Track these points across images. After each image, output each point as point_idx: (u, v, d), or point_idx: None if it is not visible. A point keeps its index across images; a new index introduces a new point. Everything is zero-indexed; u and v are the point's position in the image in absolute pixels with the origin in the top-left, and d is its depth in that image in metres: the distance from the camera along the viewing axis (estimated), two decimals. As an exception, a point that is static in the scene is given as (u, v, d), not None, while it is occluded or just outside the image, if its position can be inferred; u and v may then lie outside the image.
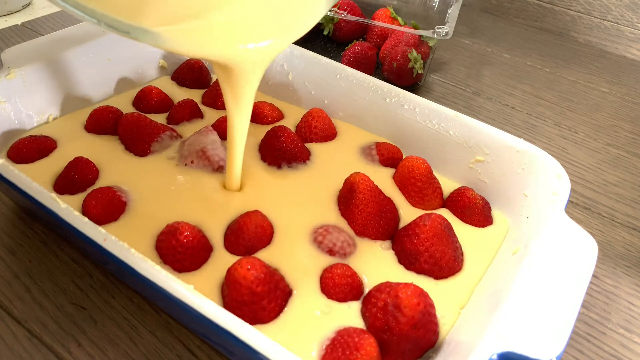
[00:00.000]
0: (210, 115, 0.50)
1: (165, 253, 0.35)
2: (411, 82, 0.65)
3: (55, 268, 0.40)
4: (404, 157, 0.47)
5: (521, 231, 0.39)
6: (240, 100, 0.37)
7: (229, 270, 0.33)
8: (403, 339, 0.31)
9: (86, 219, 0.32)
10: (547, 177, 0.40)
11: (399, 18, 0.68)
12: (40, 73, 0.46)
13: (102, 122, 0.46)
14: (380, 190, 0.40)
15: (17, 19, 0.77)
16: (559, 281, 0.31)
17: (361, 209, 0.39)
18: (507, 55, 0.80)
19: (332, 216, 0.41)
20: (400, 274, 0.37)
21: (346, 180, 0.41)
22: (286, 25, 0.34)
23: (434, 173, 0.44)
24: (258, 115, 0.50)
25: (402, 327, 0.31)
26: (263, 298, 0.32)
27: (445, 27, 0.60)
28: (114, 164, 0.43)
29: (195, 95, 0.53)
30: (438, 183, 0.44)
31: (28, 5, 0.83)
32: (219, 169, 0.43)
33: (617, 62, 0.82)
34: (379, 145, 0.47)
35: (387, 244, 0.39)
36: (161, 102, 0.50)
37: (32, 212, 0.44)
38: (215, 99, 0.52)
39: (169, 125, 0.47)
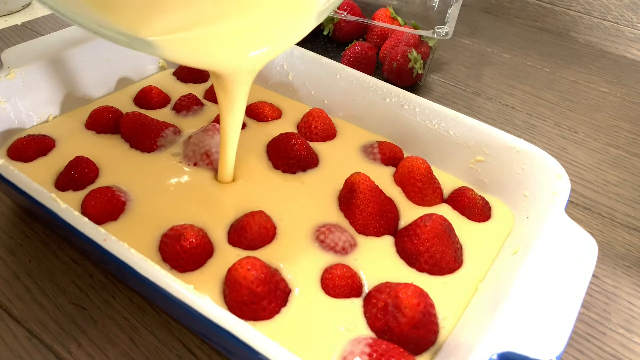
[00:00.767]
0: (211, 109, 0.51)
1: (168, 257, 0.35)
2: (411, 82, 0.65)
3: (55, 268, 0.40)
4: (405, 156, 0.47)
5: (521, 231, 0.39)
6: (233, 102, 0.37)
7: (229, 271, 0.33)
8: (403, 339, 0.31)
9: (86, 219, 0.32)
10: (547, 177, 0.40)
11: (399, 18, 0.68)
12: (40, 73, 0.46)
13: (103, 121, 0.46)
14: (381, 190, 0.40)
15: (17, 19, 0.77)
16: (559, 281, 0.31)
17: (362, 209, 0.39)
18: (507, 55, 0.80)
19: (333, 215, 0.41)
20: (401, 273, 0.37)
21: (347, 180, 0.41)
22: (281, 33, 0.34)
23: (434, 172, 0.44)
24: (258, 115, 0.50)
25: (402, 328, 0.31)
26: (263, 298, 0.32)
27: (445, 27, 0.60)
28: (114, 162, 0.43)
29: (196, 89, 0.54)
30: (438, 183, 0.44)
31: (28, 5, 0.83)
32: None
33: (617, 62, 0.82)
34: (380, 145, 0.47)
35: (388, 242, 0.39)
36: (162, 101, 0.51)
37: (32, 213, 0.44)
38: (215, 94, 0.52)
39: (171, 123, 0.48)
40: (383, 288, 0.34)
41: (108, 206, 0.38)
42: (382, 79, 0.50)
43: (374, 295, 0.34)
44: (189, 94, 0.51)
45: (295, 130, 0.49)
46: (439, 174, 0.45)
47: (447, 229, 0.38)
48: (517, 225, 0.41)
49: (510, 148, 0.43)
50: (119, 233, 0.33)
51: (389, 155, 0.46)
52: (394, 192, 0.43)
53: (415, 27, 0.66)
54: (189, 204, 0.40)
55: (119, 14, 0.28)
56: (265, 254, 0.36)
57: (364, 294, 0.35)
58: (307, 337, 0.32)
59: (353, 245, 0.38)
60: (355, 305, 0.34)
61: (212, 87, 0.53)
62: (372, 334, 0.33)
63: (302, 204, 0.41)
